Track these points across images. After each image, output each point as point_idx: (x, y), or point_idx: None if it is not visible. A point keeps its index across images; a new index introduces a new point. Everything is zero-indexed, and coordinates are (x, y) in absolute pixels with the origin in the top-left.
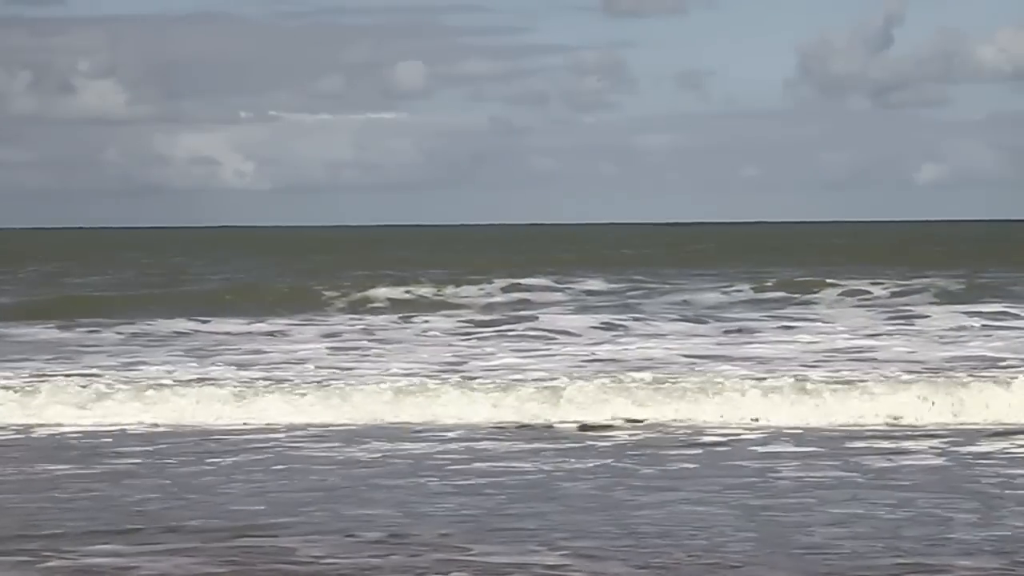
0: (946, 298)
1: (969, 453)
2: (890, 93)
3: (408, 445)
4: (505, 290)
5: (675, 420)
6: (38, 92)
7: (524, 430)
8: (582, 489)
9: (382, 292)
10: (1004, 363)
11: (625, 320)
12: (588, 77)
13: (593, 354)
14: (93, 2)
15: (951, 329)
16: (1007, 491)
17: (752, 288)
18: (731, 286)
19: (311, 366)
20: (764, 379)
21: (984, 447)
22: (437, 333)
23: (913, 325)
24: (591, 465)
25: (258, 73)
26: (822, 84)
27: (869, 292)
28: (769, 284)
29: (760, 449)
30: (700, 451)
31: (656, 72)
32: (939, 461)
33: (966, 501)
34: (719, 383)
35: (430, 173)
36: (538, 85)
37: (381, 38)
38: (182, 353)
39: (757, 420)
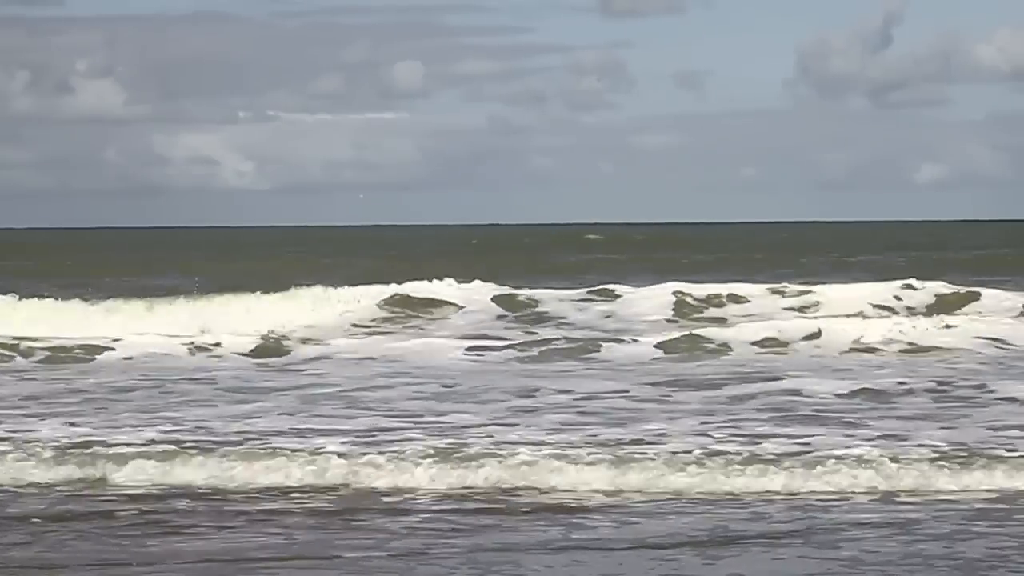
0: None
1: None
2: (889, 93)
3: None
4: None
5: None
6: (37, 92)
7: None
8: None
9: None
10: None
11: None
12: (587, 77)
13: None
14: (91, 2)
15: None
16: None
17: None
18: None
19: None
20: None
21: None
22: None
23: None
24: None
25: (257, 73)
26: (821, 84)
27: None
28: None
29: None
30: None
31: (655, 72)
32: None
33: None
34: None
35: (429, 173)
36: (537, 85)
37: (380, 38)
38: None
39: None
